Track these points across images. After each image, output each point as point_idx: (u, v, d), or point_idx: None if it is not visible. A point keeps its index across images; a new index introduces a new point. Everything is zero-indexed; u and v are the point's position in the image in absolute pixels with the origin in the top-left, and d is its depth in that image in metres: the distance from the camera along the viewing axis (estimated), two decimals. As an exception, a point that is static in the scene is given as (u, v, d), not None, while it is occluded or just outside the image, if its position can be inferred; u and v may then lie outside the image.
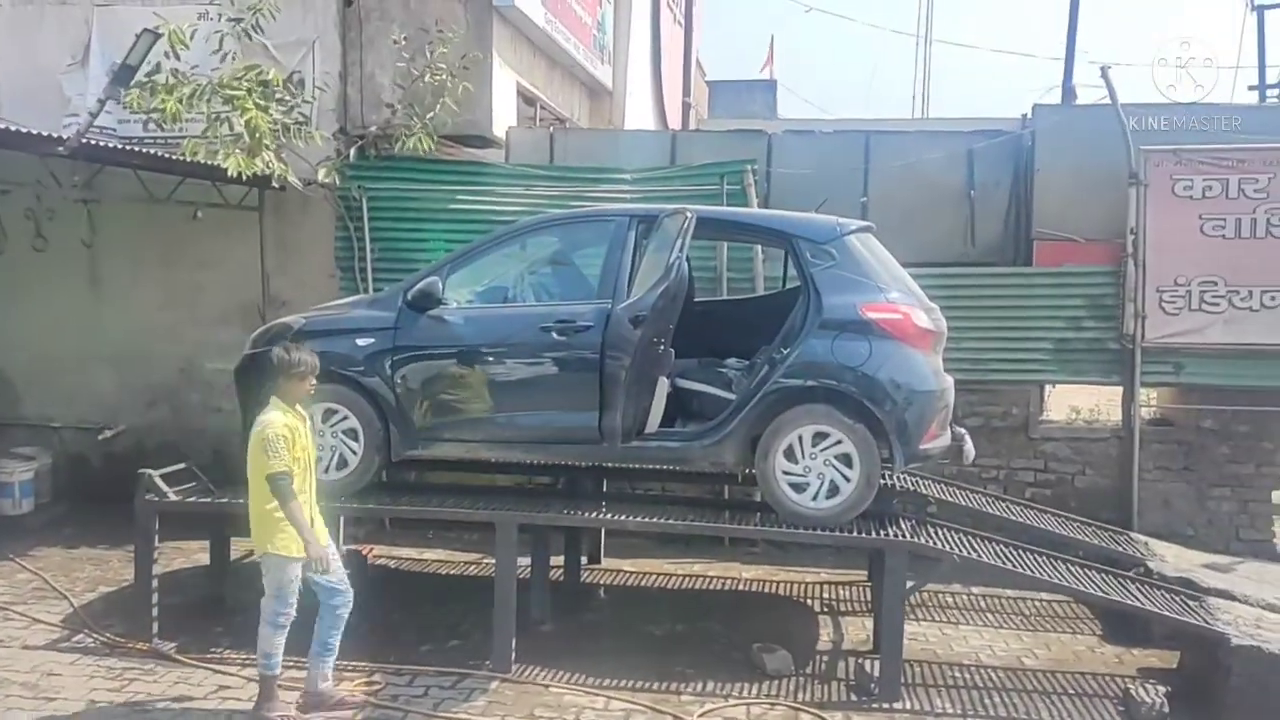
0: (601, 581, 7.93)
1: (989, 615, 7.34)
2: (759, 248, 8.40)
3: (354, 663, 5.83)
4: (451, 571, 8.15)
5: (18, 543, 8.24)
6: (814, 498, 5.98)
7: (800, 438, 5.98)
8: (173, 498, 6.29)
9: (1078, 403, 9.74)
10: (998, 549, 6.44)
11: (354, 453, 6.36)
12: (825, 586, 7.88)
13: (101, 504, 8.51)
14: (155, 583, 6.26)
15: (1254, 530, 8.53)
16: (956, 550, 6.01)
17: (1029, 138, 8.87)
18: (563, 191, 8.70)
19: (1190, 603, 6.15)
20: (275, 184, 8.23)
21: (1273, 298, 8.18)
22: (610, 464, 6.71)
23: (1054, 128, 8.75)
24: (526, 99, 10.59)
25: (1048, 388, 9.35)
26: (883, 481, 6.91)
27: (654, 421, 6.26)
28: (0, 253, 9.04)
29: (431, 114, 8.50)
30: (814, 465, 5.97)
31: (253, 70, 8.28)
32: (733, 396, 6.26)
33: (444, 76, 8.60)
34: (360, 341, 6.37)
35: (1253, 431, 8.51)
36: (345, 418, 6.36)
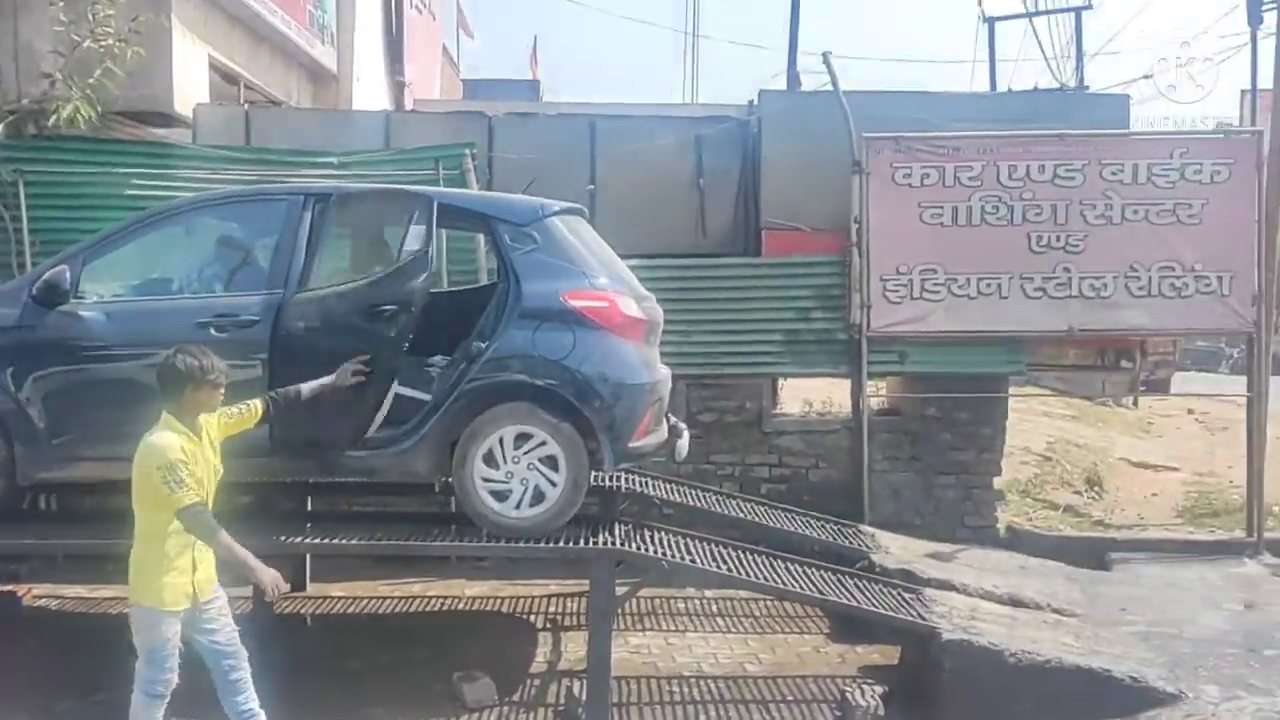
0: (304, 610, 7.09)
1: (719, 620, 7.01)
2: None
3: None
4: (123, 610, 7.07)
5: None
6: (517, 506, 5.40)
7: (501, 440, 5.39)
8: None
9: (811, 395, 9.65)
10: (720, 551, 6.08)
11: (-26, 478, 5.31)
12: (553, 600, 7.35)
13: None
14: None
15: (978, 517, 8.61)
16: (668, 555, 5.56)
17: (755, 124, 8.66)
18: (259, 176, 7.74)
19: (906, 596, 5.97)
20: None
21: (989, 284, 8.27)
22: (289, 480, 5.91)
23: (780, 114, 8.58)
24: (226, 76, 9.58)
25: (780, 380, 9.20)
26: (608, 484, 6.51)
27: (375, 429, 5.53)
28: None
29: (91, 80, 7.39)
30: (517, 470, 5.39)
31: None
32: (428, 397, 5.60)
33: (110, 42, 7.51)
34: (-25, 344, 5.32)
35: (973, 418, 8.59)
36: (-35, 435, 5.31)
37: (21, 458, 5.33)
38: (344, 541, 5.41)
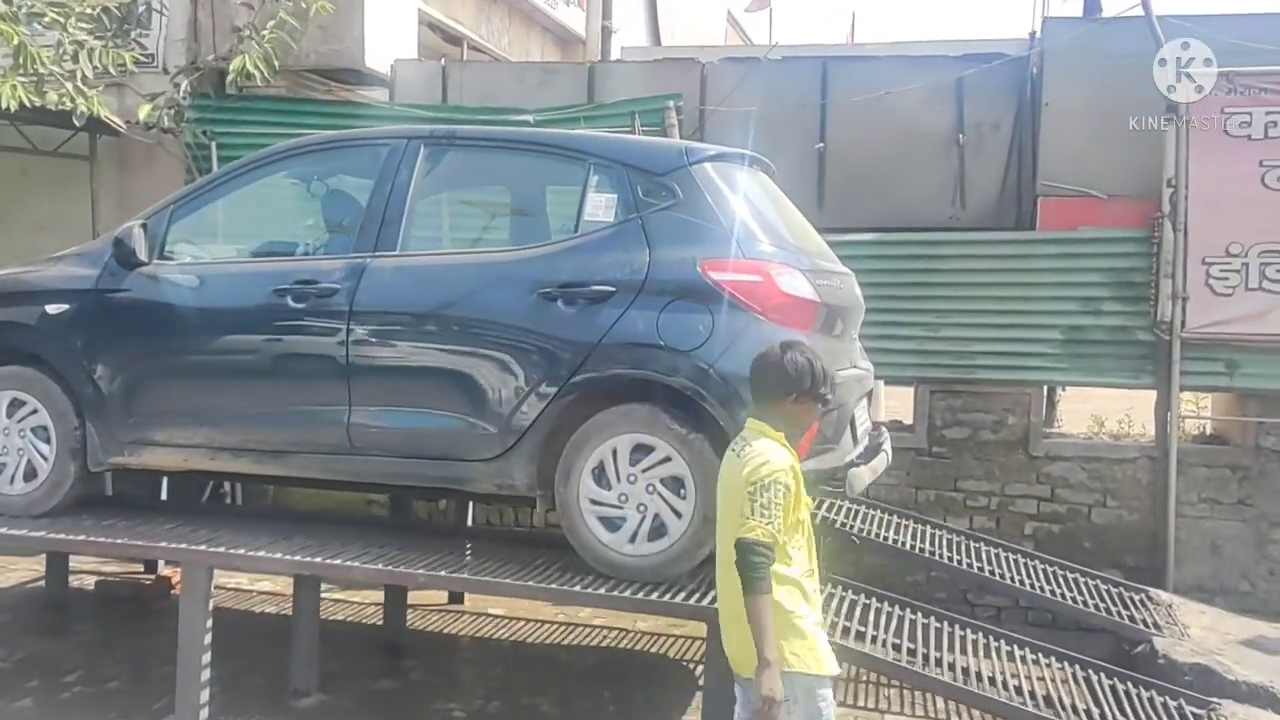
0: (461, 631, 6.18)
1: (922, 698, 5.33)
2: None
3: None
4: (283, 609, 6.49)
5: None
6: (631, 539, 4.13)
7: (614, 453, 4.13)
8: None
9: (1100, 410, 7.54)
10: (932, 626, 4.49)
11: (44, 459, 4.76)
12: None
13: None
14: None
15: (1333, 589, 6.33)
16: (852, 627, 4.00)
17: (1035, 62, 6.80)
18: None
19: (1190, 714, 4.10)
20: (74, 120, 6.68)
21: (1364, 273, 5.99)
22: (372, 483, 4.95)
23: (1070, 48, 6.63)
24: (449, 37, 8.90)
25: (1058, 391, 7.26)
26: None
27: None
28: None
29: (267, 33, 6.84)
30: (632, 492, 4.12)
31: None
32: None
33: (298, -9, 6.95)
34: (51, 309, 4.76)
35: (1335, 455, 6.30)
36: (34, 411, 4.77)
37: (94, 440, 4.71)
38: (493, 580, 4.23)
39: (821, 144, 6.99)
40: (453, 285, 4.34)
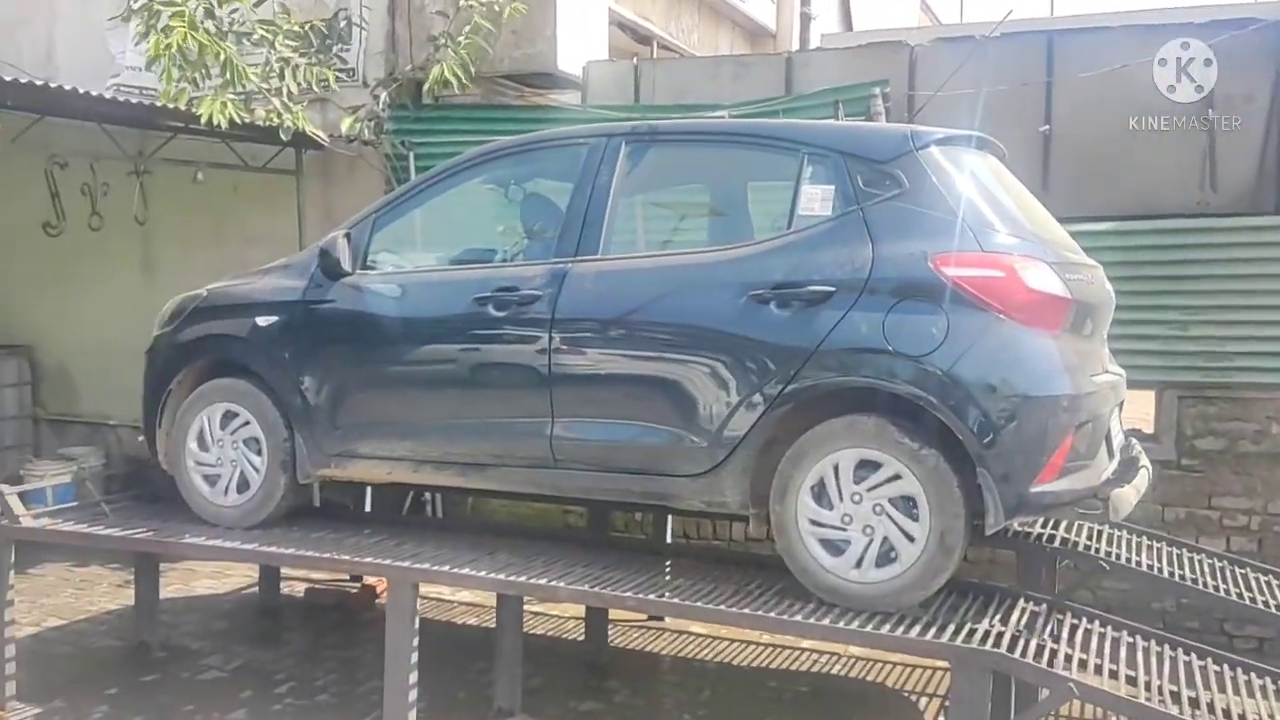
0: (662, 650, 5.94)
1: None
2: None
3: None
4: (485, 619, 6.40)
5: (26, 556, 7.30)
6: (857, 564, 3.76)
7: (836, 469, 3.78)
8: (29, 523, 4.94)
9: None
10: (1193, 664, 3.90)
11: (256, 470, 4.78)
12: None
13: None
14: (8, 631, 4.92)
15: None
16: (1073, 677, 3.50)
17: (1298, 25, 6.00)
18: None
19: None
20: (281, 135, 6.81)
21: None
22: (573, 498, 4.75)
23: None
24: (638, 36, 8.72)
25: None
26: (1032, 528, 4.63)
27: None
28: (59, 234, 8.24)
29: (462, 39, 6.79)
30: (858, 512, 3.75)
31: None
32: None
33: (492, -1, 6.89)
34: (261, 321, 4.77)
35: None
36: (246, 423, 4.80)
37: (302, 451, 4.69)
38: (707, 606, 3.91)
39: (1047, 126, 6.38)
40: (657, 289, 4.08)
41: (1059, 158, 6.36)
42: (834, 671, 5.65)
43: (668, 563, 4.71)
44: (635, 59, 7.80)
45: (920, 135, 4.00)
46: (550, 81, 7.55)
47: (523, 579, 4.05)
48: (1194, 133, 6.21)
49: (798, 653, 5.83)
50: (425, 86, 7.03)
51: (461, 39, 6.89)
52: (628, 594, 3.93)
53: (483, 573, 4.15)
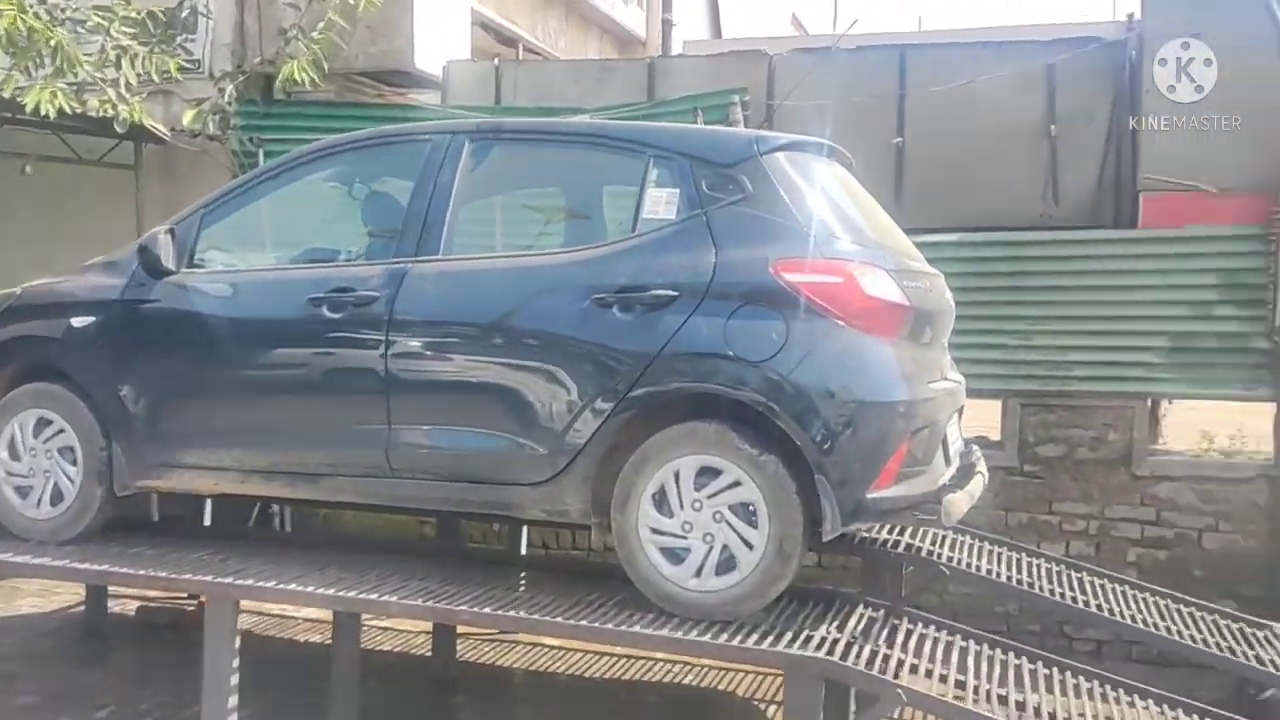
0: (503, 660, 5.79)
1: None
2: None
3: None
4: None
5: None
6: (696, 572, 3.68)
7: (677, 476, 3.70)
8: None
9: (1210, 425, 6.89)
10: (1026, 668, 3.96)
11: (71, 481, 4.46)
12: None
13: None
14: None
15: None
16: (902, 683, 3.50)
17: (1135, 45, 6.23)
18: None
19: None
20: (116, 128, 6.44)
21: None
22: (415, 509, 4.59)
23: (1175, 27, 6.04)
24: (502, 37, 8.58)
25: (1163, 405, 6.65)
26: (875, 534, 4.65)
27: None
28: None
29: (316, 35, 6.55)
30: (697, 520, 3.68)
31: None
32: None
33: (346, -9, 6.65)
34: (76, 321, 4.46)
35: None
36: (61, 431, 4.47)
37: (120, 461, 4.39)
38: (542, 619, 3.75)
39: (900, 139, 6.51)
40: (498, 292, 3.95)
41: (912, 170, 6.49)
42: (686, 681, 5.60)
43: (522, 574, 4.58)
44: (497, 60, 7.66)
45: (765, 140, 3.97)
46: (409, 80, 7.37)
47: (352, 594, 3.85)
48: (1038, 148, 6.40)
49: (651, 663, 5.76)
50: (276, 83, 6.76)
51: (314, 34, 6.63)
52: (462, 608, 3.77)
53: (310, 588, 3.94)
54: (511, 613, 3.76)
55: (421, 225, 4.10)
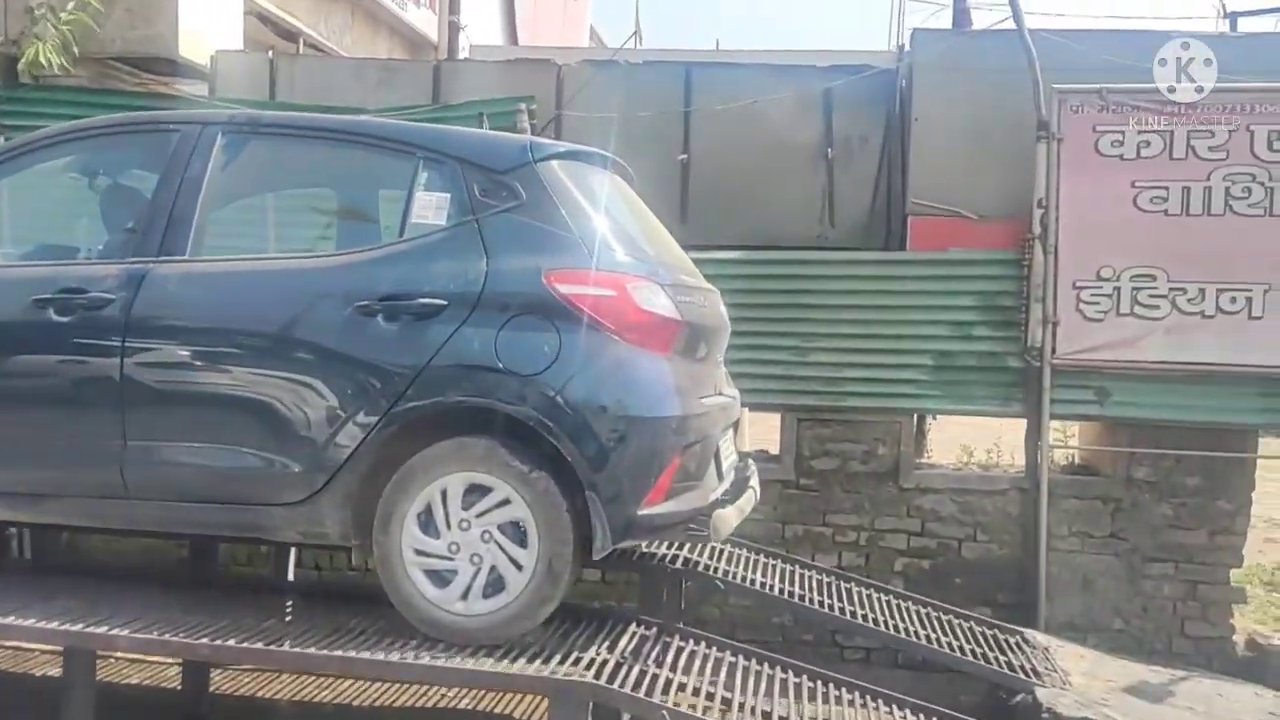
0: (263, 692, 5.42)
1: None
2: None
3: None
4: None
5: None
6: (463, 595, 3.53)
7: (444, 494, 3.53)
8: None
9: (971, 439, 7.28)
10: (789, 682, 3.99)
11: None
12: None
13: None
14: None
15: (1205, 623, 6.14)
16: (667, 705, 3.46)
17: (905, 75, 6.52)
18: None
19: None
20: None
21: (1234, 299, 5.85)
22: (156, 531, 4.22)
23: (939, 61, 6.35)
24: (281, 30, 8.16)
25: (929, 420, 6.97)
26: (655, 548, 4.60)
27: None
28: None
29: (66, 15, 6.02)
30: (465, 540, 3.52)
31: None
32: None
33: (96, -31, 6.15)
34: None
35: (1204, 485, 6.13)
36: None
37: None
38: (292, 651, 3.47)
39: (685, 155, 6.57)
40: (249, 297, 3.69)
41: (696, 186, 6.56)
42: (462, 706, 5.39)
43: (287, 601, 4.28)
44: (271, 52, 7.27)
45: (541, 147, 3.87)
46: (173, 69, 6.89)
47: (76, 628, 3.48)
48: (817, 170, 6.59)
49: (423, 689, 5.52)
50: (20, 65, 6.16)
51: (65, 14, 6.07)
52: (203, 641, 3.46)
53: (29, 622, 3.54)
54: (259, 645, 3.48)
55: (166, 222, 3.79)
